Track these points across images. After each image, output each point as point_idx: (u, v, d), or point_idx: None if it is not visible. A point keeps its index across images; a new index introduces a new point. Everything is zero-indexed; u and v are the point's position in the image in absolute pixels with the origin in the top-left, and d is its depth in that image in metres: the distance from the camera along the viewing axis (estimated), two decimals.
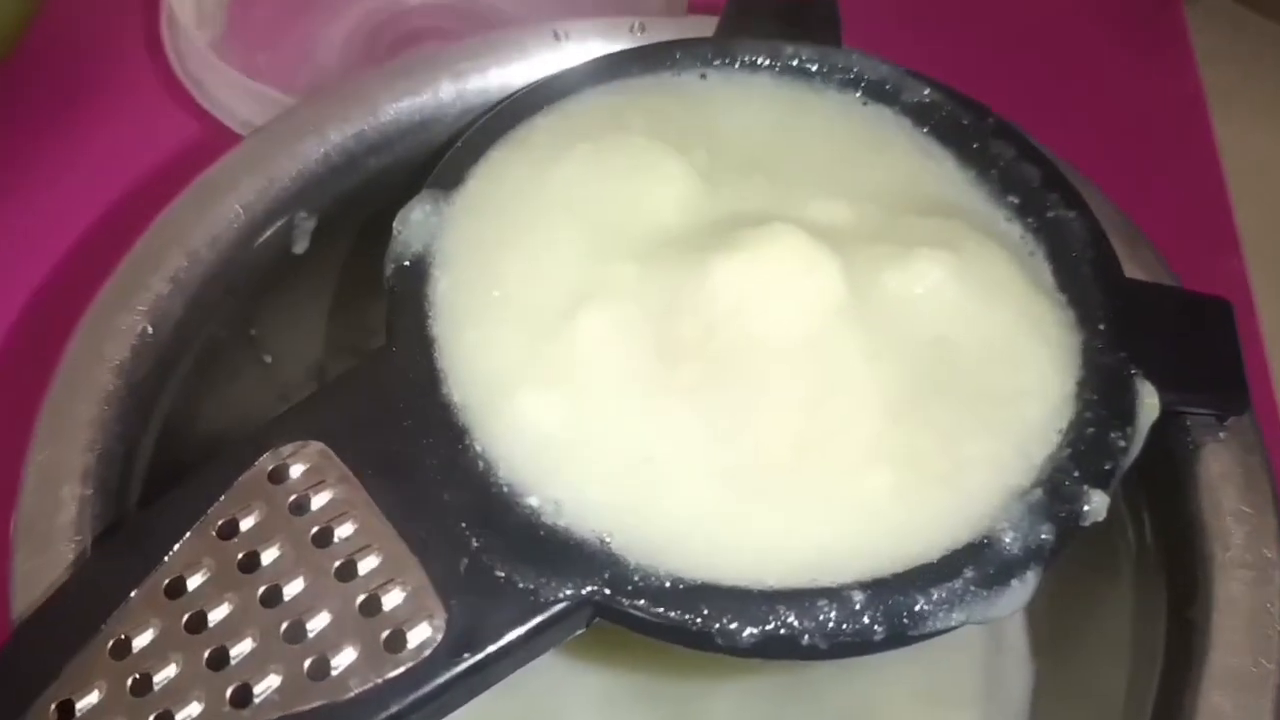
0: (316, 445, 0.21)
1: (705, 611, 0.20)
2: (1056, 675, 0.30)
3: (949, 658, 0.30)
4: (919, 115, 0.27)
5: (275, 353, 0.31)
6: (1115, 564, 0.28)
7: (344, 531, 0.21)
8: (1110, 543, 0.27)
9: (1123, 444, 0.22)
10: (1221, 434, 0.25)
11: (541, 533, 0.21)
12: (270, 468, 0.21)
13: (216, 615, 0.20)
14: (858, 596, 0.20)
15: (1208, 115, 0.44)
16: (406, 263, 0.24)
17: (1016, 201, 0.26)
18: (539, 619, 0.20)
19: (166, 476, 0.24)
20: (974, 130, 0.27)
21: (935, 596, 0.20)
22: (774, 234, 0.23)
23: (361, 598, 0.20)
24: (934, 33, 0.43)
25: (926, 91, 0.27)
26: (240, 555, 0.20)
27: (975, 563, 0.21)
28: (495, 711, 0.22)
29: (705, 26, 0.29)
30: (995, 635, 0.31)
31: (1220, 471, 0.25)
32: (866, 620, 0.20)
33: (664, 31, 0.29)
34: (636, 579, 0.20)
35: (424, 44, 0.42)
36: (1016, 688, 0.30)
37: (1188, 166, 0.43)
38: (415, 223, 0.24)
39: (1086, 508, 0.22)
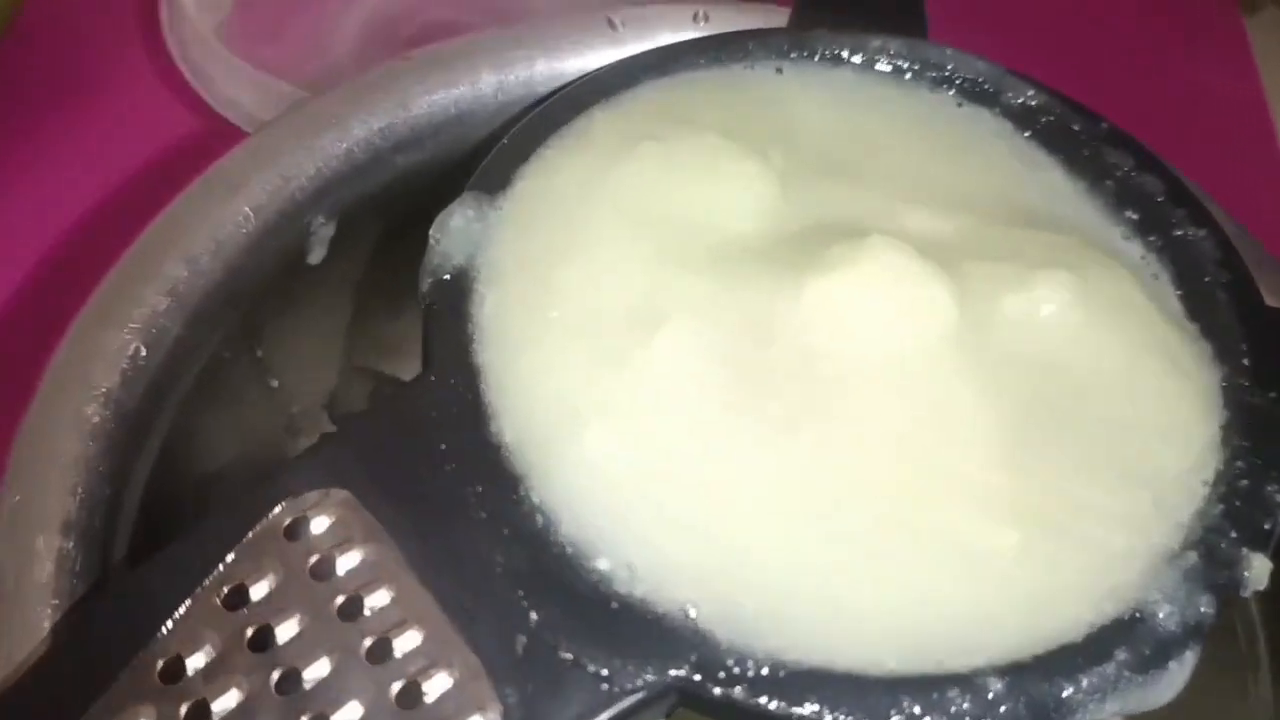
0: (341, 494, 0.19)
1: (815, 703, 0.18)
2: None
3: None
4: (1021, 119, 0.26)
5: (284, 377, 0.30)
6: (1234, 643, 0.25)
7: (376, 602, 0.19)
8: (1229, 619, 0.25)
9: None
10: None
11: (614, 604, 0.18)
12: (286, 521, 0.19)
13: (222, 706, 0.18)
14: (995, 684, 0.18)
15: (1270, 121, 0.45)
16: (446, 277, 0.22)
17: (1135, 217, 0.24)
18: (613, 711, 0.18)
19: (161, 526, 0.23)
20: (1085, 137, 0.25)
21: (1085, 684, 0.18)
22: (873, 248, 0.21)
23: (398, 686, 0.18)
24: (971, 36, 0.43)
25: (1031, 93, 0.26)
26: (251, 630, 0.18)
27: (1128, 642, 0.19)
28: None
29: (773, 15, 0.28)
30: None
31: None
32: (1004, 712, 0.18)
33: (729, 20, 0.28)
34: (730, 662, 0.18)
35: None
36: None
37: (1251, 172, 0.43)
38: (456, 230, 0.23)
39: (1247, 574, 0.20)
